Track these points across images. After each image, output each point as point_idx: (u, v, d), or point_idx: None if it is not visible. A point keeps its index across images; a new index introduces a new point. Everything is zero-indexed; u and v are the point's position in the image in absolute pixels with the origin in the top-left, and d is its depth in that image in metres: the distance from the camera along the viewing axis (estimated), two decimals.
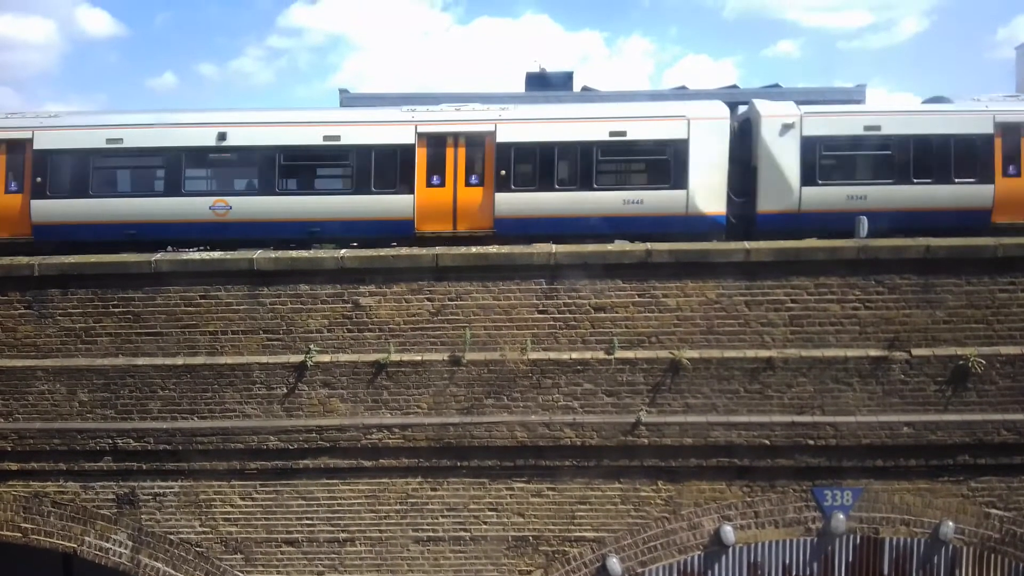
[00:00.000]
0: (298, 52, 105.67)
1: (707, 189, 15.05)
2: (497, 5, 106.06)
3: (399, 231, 15.20)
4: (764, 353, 11.57)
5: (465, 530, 12.02)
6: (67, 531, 12.22)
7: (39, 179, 15.48)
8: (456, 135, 15.39)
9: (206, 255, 12.30)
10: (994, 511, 11.69)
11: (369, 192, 15.26)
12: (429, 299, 11.81)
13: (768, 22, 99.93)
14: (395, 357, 11.76)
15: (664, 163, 15.28)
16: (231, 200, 15.43)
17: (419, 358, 11.78)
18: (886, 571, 11.97)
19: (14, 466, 12.12)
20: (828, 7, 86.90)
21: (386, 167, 15.34)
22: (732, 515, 11.81)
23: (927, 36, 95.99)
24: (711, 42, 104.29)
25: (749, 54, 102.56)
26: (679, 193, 15.06)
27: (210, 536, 12.16)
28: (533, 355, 11.69)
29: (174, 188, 15.48)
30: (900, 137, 15.13)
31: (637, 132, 15.34)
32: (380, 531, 12.05)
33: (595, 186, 15.20)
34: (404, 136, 15.36)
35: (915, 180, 15.02)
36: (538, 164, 15.33)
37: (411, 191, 15.26)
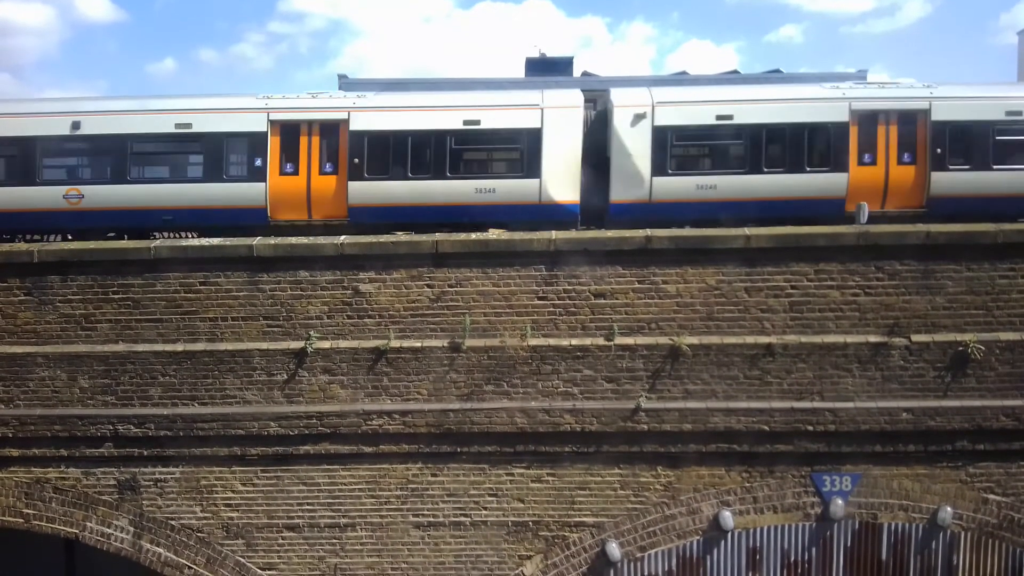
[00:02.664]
0: (299, 37, 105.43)
1: None
2: None
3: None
4: (764, 339, 11.58)
5: (465, 515, 12.06)
6: (69, 517, 12.26)
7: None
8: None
9: (205, 241, 12.27)
10: (992, 496, 11.73)
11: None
12: (429, 285, 11.81)
13: (771, 7, 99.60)
14: (395, 343, 11.77)
15: None
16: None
17: (419, 344, 11.79)
18: (884, 556, 12.03)
19: (15, 452, 12.16)
20: None
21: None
22: (731, 500, 11.85)
23: (930, 21, 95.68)
24: (713, 27, 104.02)
25: (752, 39, 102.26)
26: None
27: (211, 521, 12.21)
28: (533, 341, 11.70)
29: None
30: None
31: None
32: (381, 516, 12.09)
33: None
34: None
35: None
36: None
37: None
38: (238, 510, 12.17)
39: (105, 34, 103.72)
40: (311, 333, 11.83)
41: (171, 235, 15.73)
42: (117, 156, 15.54)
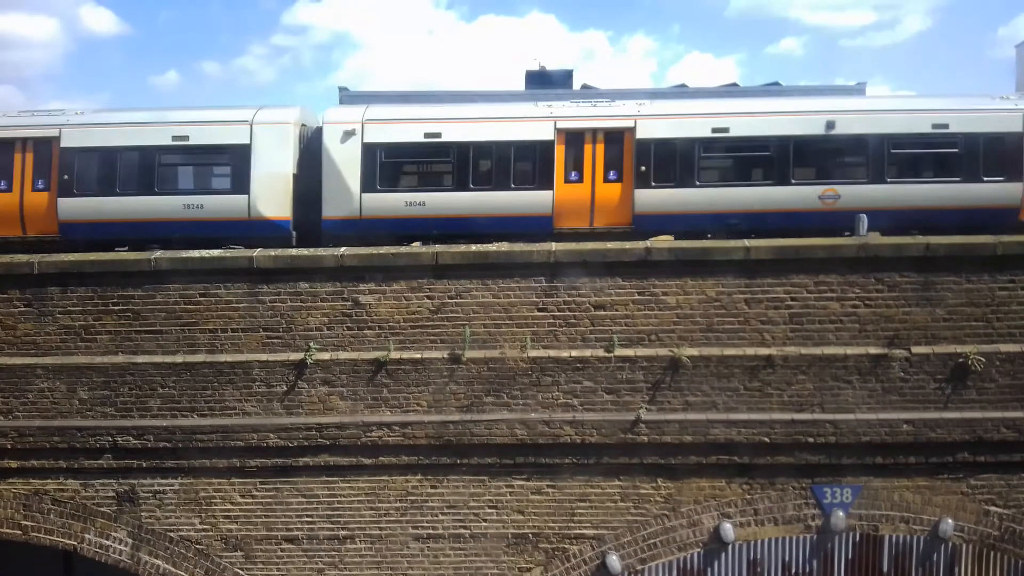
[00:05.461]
0: (302, 50, 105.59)
1: None
2: (502, 3, 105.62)
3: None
4: (764, 351, 11.57)
5: (465, 527, 12.02)
6: (67, 528, 12.22)
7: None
8: None
9: (205, 253, 12.28)
10: (993, 508, 11.69)
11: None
12: (429, 297, 11.81)
13: (771, 20, 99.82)
14: (395, 355, 11.77)
15: None
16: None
17: (419, 356, 11.78)
18: (886, 569, 11.99)
19: (14, 464, 12.13)
20: (831, 5, 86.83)
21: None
22: (732, 512, 11.82)
23: (930, 34, 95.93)
24: (714, 40, 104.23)
25: (752, 52, 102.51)
26: None
27: (210, 534, 12.17)
28: (533, 353, 11.69)
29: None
30: None
31: None
32: (380, 528, 12.06)
33: None
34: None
35: None
36: None
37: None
38: (237, 522, 12.13)
39: (109, 47, 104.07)
40: (311, 344, 11.82)
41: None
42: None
